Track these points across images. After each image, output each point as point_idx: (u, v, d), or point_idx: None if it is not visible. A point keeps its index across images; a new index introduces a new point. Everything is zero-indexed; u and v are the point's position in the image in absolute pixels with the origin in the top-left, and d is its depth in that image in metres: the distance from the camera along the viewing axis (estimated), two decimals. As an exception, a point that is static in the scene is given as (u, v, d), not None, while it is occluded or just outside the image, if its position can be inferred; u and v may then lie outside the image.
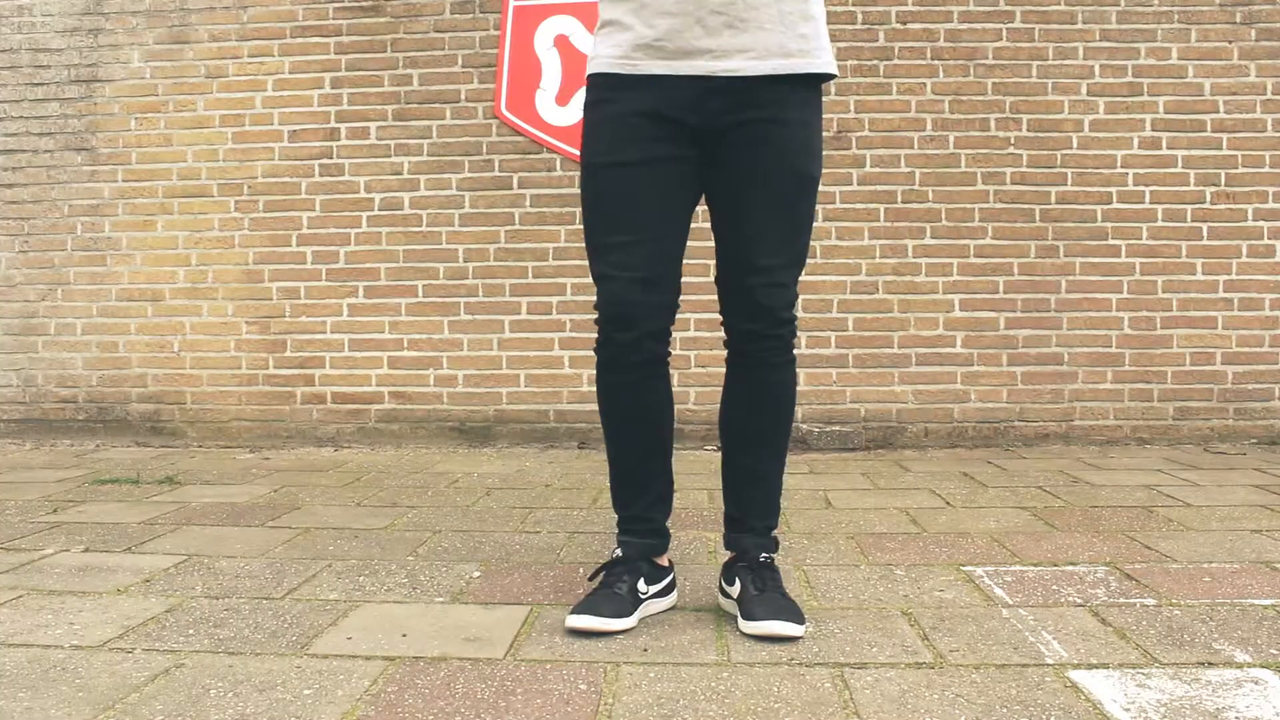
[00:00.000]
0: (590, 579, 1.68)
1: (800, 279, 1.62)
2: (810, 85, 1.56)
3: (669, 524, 1.73)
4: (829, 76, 1.56)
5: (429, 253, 3.86)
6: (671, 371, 1.67)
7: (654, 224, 1.55)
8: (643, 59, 1.51)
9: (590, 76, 1.58)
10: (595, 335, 1.64)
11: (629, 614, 1.58)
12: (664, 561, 1.70)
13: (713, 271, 1.64)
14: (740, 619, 1.55)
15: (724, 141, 1.53)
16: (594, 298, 1.62)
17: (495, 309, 3.84)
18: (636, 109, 1.52)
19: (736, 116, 1.51)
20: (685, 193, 1.59)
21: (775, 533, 1.71)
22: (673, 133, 1.52)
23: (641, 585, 1.62)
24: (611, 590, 1.60)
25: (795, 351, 1.66)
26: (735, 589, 1.61)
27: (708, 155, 1.56)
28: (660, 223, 1.56)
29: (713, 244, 1.63)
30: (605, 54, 1.55)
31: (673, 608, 1.70)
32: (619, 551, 1.67)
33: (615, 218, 1.55)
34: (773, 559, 1.64)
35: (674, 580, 1.71)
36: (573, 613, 1.57)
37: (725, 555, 1.72)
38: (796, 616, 1.51)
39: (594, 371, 1.67)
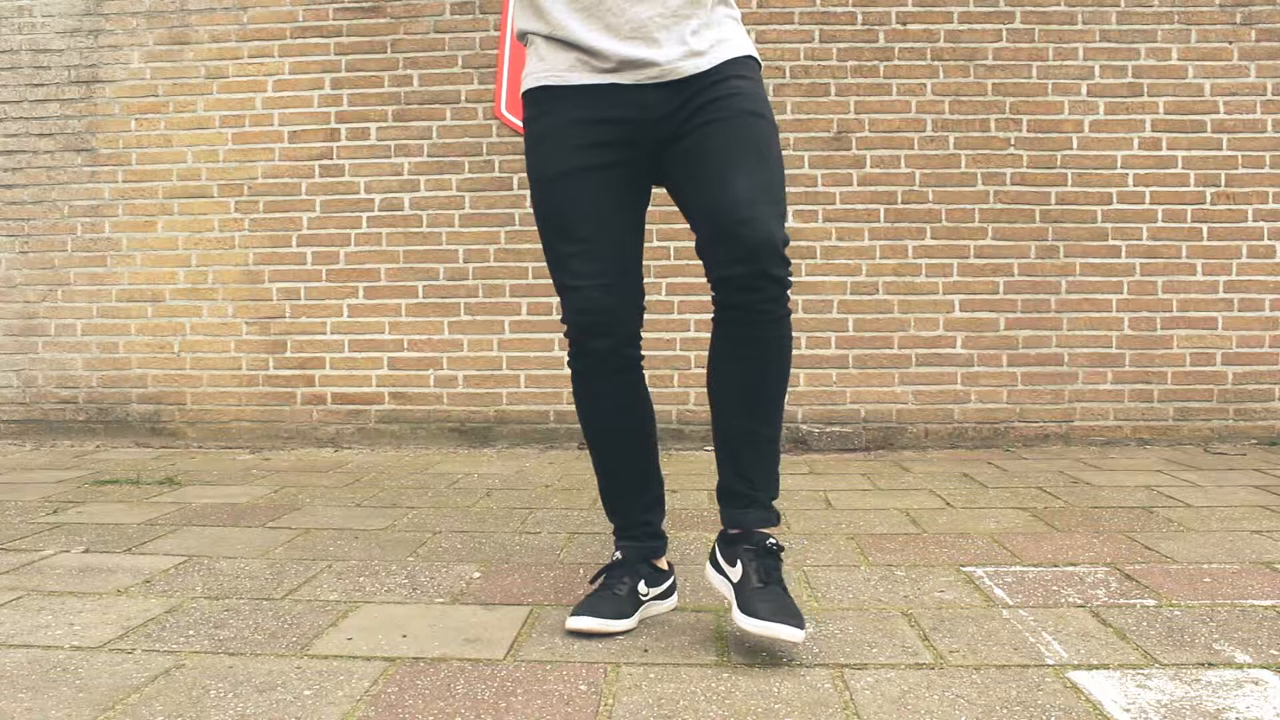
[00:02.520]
0: (591, 581, 1.68)
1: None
2: (739, 62, 1.55)
3: (666, 525, 1.72)
4: (751, 59, 1.57)
5: (429, 253, 3.86)
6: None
7: (609, 228, 1.55)
8: (568, 71, 1.52)
9: (525, 94, 1.58)
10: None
11: (629, 615, 1.58)
12: (664, 564, 1.70)
13: (705, 272, 1.61)
14: (737, 610, 1.47)
15: (671, 124, 1.52)
16: None
17: (495, 309, 3.84)
18: (572, 118, 1.52)
19: (676, 106, 1.51)
20: (634, 192, 1.59)
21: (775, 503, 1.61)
22: (612, 135, 1.52)
23: (642, 587, 1.62)
24: (612, 592, 1.60)
25: (795, 352, 1.63)
26: (735, 572, 1.53)
27: (656, 143, 1.54)
28: (615, 226, 1.56)
29: (693, 243, 1.60)
30: (535, 69, 1.56)
31: (673, 610, 1.70)
32: (619, 554, 1.67)
33: (570, 228, 1.55)
34: (778, 544, 1.56)
35: (675, 583, 1.71)
36: (573, 614, 1.57)
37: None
38: (799, 620, 1.46)
39: None
